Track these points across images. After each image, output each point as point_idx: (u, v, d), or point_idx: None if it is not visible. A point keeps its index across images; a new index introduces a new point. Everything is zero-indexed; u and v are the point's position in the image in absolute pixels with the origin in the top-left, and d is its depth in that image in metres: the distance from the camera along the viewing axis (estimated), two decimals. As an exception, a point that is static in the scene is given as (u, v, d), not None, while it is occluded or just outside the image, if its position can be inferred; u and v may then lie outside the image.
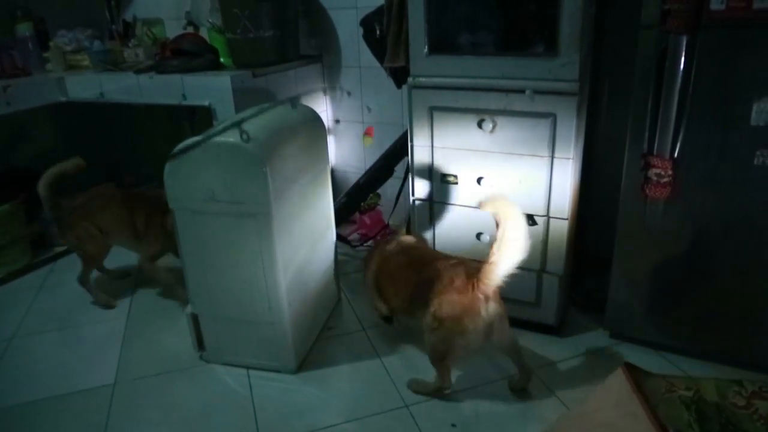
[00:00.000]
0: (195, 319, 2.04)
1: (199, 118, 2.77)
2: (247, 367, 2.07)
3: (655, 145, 1.81)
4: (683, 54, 1.69)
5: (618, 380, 1.62)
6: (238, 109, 2.42)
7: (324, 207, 2.24)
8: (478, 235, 2.14)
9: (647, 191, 1.86)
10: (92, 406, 1.93)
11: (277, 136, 1.87)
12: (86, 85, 2.84)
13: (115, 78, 2.78)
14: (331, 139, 3.23)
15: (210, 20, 2.85)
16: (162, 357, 2.18)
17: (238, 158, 1.73)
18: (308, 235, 2.08)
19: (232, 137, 1.74)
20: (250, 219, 1.79)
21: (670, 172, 1.81)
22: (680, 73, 1.71)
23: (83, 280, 2.50)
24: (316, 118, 2.18)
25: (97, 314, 2.48)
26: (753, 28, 1.64)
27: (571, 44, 1.80)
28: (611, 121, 2.29)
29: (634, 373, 1.64)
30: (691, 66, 1.71)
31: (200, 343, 2.09)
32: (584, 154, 2.14)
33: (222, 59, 2.78)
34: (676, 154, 1.80)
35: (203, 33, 2.98)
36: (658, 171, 1.82)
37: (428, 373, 1.91)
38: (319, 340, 2.23)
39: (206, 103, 2.54)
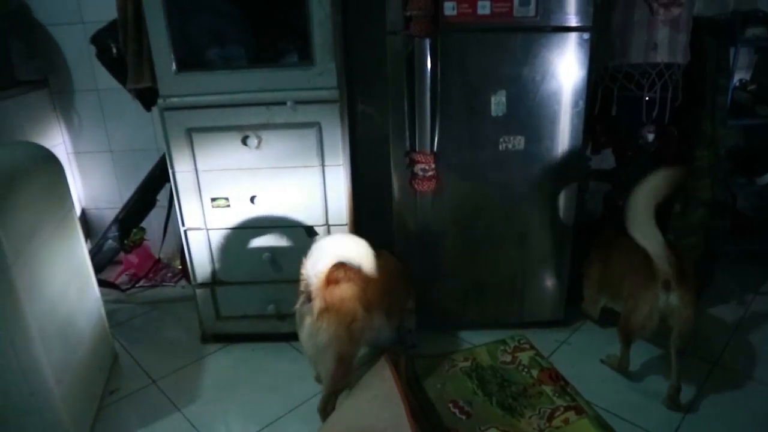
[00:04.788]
0: None
1: None
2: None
3: (416, 141, 1.91)
4: (428, 56, 1.81)
5: (380, 369, 1.73)
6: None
7: (77, 255, 1.92)
8: (262, 255, 2.04)
9: (416, 186, 1.97)
10: None
11: (4, 185, 1.53)
12: None
13: None
14: (74, 176, 2.83)
15: None
16: None
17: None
18: (64, 292, 1.76)
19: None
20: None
21: (432, 166, 1.94)
22: (428, 74, 1.83)
23: None
24: (50, 157, 1.85)
25: None
26: (479, 31, 1.82)
27: (326, 53, 1.81)
28: (370, 125, 2.36)
29: (394, 360, 1.78)
30: (437, 66, 1.84)
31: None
32: (351, 159, 2.17)
33: None
34: (435, 148, 1.93)
35: None
36: (422, 166, 1.93)
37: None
38: (102, 409, 1.92)
39: None
